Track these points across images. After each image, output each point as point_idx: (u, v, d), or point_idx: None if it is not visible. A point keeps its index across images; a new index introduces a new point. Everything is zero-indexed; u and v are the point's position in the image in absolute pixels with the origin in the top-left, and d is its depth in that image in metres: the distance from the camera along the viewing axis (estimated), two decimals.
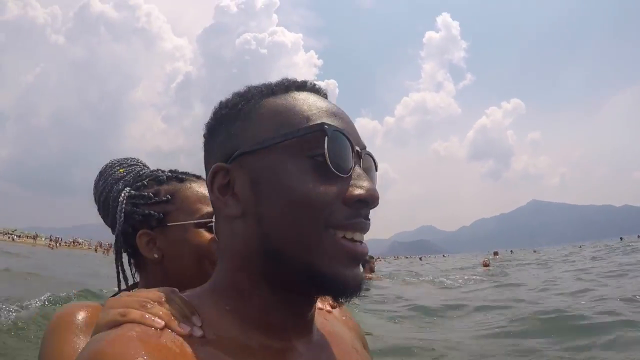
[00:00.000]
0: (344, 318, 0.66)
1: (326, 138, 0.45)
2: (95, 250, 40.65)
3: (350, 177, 0.46)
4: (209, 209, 0.84)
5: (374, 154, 0.53)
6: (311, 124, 0.46)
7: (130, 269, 0.90)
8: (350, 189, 0.45)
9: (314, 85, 0.53)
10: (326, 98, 0.54)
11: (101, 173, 0.94)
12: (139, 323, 0.42)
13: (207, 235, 0.84)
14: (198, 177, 0.93)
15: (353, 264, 0.46)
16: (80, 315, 0.74)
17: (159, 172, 0.92)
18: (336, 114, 0.50)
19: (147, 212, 0.84)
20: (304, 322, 0.50)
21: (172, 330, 0.43)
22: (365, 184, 0.46)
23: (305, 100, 0.50)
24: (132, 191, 0.87)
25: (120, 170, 0.93)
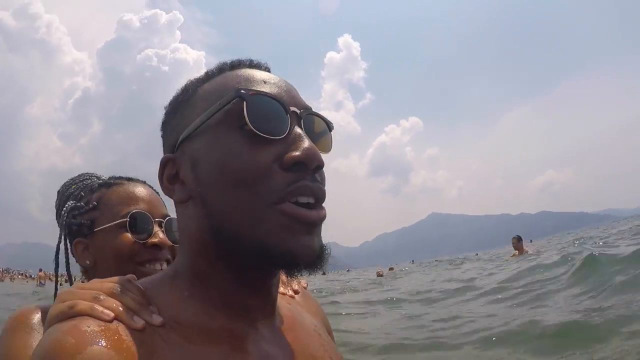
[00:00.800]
0: (307, 302, 0.67)
1: (244, 103, 0.45)
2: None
3: (286, 140, 0.45)
4: (131, 208, 0.88)
5: (323, 115, 0.51)
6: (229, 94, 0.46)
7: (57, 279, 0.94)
8: (287, 152, 0.45)
9: (251, 61, 0.53)
10: (267, 70, 0.54)
11: (58, 193, 1.00)
12: (88, 316, 0.42)
13: (128, 237, 0.86)
14: (130, 179, 0.97)
15: (302, 231, 0.44)
16: (34, 316, 0.77)
17: (94, 179, 0.98)
18: (266, 80, 0.49)
19: (80, 221, 0.89)
20: (266, 303, 0.51)
21: (123, 323, 0.42)
22: (303, 144, 0.45)
23: (235, 75, 0.50)
24: (73, 203, 0.92)
25: (72, 187, 0.98)
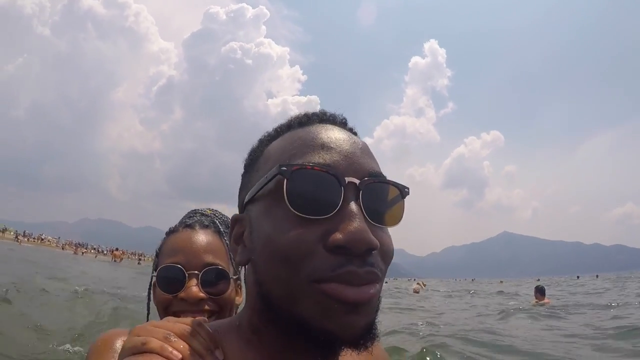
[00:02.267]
0: (373, 349, 0.65)
1: (285, 182, 0.44)
2: (63, 248, 42.06)
3: (335, 218, 0.43)
4: (167, 261, 0.96)
5: (393, 179, 0.48)
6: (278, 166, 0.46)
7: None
8: (334, 233, 0.43)
9: (323, 114, 0.51)
10: (342, 124, 0.52)
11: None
12: (157, 354, 0.46)
13: (159, 290, 0.96)
14: (189, 226, 1.04)
15: (343, 311, 0.43)
16: (118, 342, 0.87)
17: (187, 219, 1.08)
18: (327, 144, 0.47)
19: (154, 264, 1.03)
20: None
21: None
22: (350, 225, 0.43)
23: (296, 137, 0.48)
24: None
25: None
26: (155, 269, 0.99)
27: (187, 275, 0.94)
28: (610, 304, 8.65)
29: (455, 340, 4.45)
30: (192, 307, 0.91)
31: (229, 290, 0.97)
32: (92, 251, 49.07)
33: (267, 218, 0.46)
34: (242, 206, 0.54)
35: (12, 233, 44.41)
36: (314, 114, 0.52)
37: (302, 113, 0.52)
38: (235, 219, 0.54)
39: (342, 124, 0.52)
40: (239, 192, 0.56)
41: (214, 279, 0.95)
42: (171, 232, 1.04)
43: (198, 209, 1.14)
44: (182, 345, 0.48)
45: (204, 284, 0.94)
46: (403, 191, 0.50)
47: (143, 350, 0.46)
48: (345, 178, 0.45)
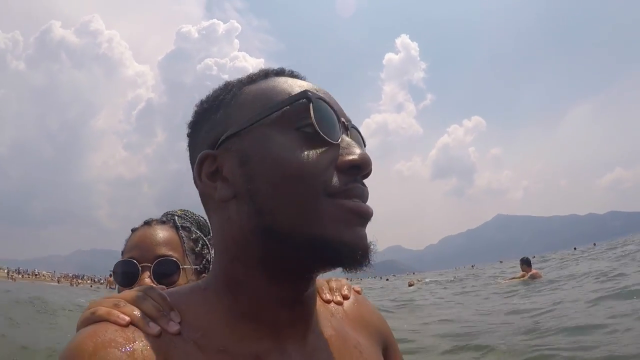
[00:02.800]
0: (359, 310, 0.66)
1: (311, 105, 0.48)
2: (58, 281, 41.35)
3: (339, 146, 0.48)
4: (124, 257, 1.01)
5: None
6: (294, 94, 0.49)
7: None
8: (342, 156, 0.47)
9: (292, 71, 0.55)
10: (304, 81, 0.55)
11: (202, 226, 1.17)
12: (105, 320, 0.45)
13: (118, 287, 0.98)
14: (151, 221, 1.07)
15: (357, 223, 0.46)
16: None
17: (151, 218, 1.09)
18: (318, 88, 0.52)
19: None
20: (299, 319, 0.51)
21: (139, 329, 0.45)
22: (357, 150, 0.49)
23: (285, 81, 0.52)
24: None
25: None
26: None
27: (140, 268, 0.98)
28: (602, 270, 8.61)
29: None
30: None
31: (181, 280, 1.01)
32: (88, 281, 49.89)
33: (273, 144, 0.48)
34: (215, 143, 0.52)
35: (5, 271, 44.97)
36: (284, 68, 0.56)
37: (273, 68, 0.55)
38: (204, 157, 0.52)
39: (304, 81, 0.56)
40: (201, 133, 0.54)
41: (166, 270, 0.99)
42: (132, 230, 1.08)
43: (170, 211, 1.17)
44: (132, 309, 0.48)
45: (155, 275, 0.98)
46: (364, 140, 0.56)
47: (92, 320, 0.47)
48: (340, 117, 0.51)
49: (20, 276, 44.48)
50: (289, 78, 0.53)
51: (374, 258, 0.47)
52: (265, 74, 0.54)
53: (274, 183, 0.46)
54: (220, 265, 0.52)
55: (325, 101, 0.49)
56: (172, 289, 0.55)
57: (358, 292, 0.69)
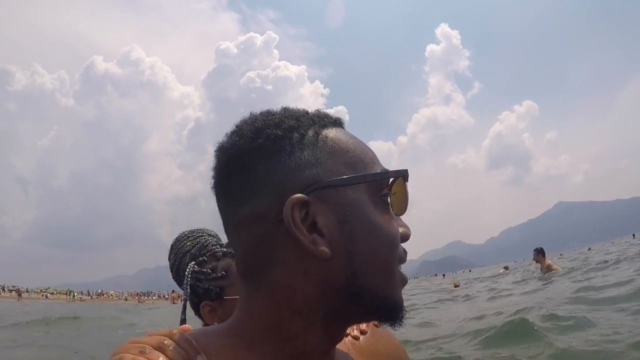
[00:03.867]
0: (375, 344, 0.68)
1: (406, 183, 0.52)
2: (125, 299, 43.44)
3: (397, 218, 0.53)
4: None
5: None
6: (380, 168, 0.52)
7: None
8: (400, 227, 0.52)
9: (343, 121, 0.56)
10: None
11: (172, 247, 1.18)
12: None
13: None
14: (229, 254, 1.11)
15: (401, 289, 0.52)
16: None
17: (217, 247, 1.14)
18: (375, 154, 0.54)
19: (207, 286, 1.06)
20: (328, 351, 0.52)
21: None
22: (405, 223, 0.53)
23: (358, 140, 0.54)
24: (195, 266, 1.08)
25: (187, 243, 1.15)
26: (219, 292, 1.06)
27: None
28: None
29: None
30: None
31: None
32: (154, 298, 52.57)
33: (371, 208, 0.49)
34: (305, 187, 0.48)
35: (76, 294, 50.86)
36: (339, 119, 0.55)
37: (332, 115, 0.55)
38: (300, 202, 0.47)
39: None
40: (279, 169, 0.49)
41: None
42: (233, 255, 1.10)
43: (198, 230, 1.21)
44: (157, 355, 0.47)
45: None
46: None
47: None
48: None
49: (89, 297, 48.20)
50: (349, 133, 0.55)
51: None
52: (334, 122, 0.54)
53: (373, 249, 0.48)
54: (270, 316, 0.50)
55: (406, 177, 0.53)
56: (199, 330, 0.55)
57: (376, 326, 0.71)
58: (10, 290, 45.32)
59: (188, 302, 1.08)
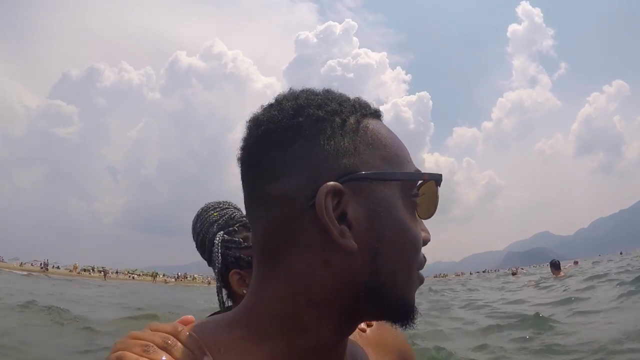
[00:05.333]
0: (381, 337, 0.69)
1: (438, 188, 0.52)
2: (209, 283, 42.35)
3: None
4: None
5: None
6: (414, 168, 0.52)
7: (221, 297, 1.16)
8: (422, 231, 0.51)
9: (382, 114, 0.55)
10: None
11: (198, 216, 1.20)
12: None
13: None
14: None
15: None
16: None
17: (233, 210, 1.18)
18: (409, 155, 0.54)
19: (238, 255, 1.09)
20: (338, 357, 0.52)
21: None
22: (426, 227, 0.52)
23: (395, 135, 0.53)
24: (225, 235, 1.12)
25: (214, 214, 1.17)
26: (249, 261, 1.07)
27: None
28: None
29: None
30: None
31: None
32: None
33: (402, 207, 0.48)
34: (341, 174, 0.47)
35: (161, 277, 55.55)
36: (379, 111, 0.54)
37: (373, 105, 0.53)
38: (335, 190, 0.46)
39: None
40: (316, 153, 0.47)
41: None
42: None
43: (224, 202, 1.22)
44: (161, 355, 0.46)
45: None
46: None
47: None
48: None
49: (173, 280, 52.01)
50: (385, 125, 0.54)
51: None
52: (374, 113, 0.53)
53: (399, 249, 0.48)
54: (285, 303, 0.48)
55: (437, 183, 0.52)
56: (207, 322, 0.52)
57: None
58: (99, 271, 48.94)
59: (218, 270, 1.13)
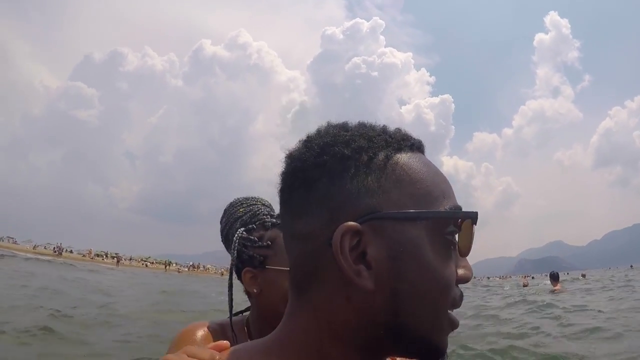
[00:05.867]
0: None
1: (474, 226, 0.49)
2: (222, 274, 42.83)
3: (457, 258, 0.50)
4: None
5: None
6: (450, 203, 0.49)
7: (231, 293, 1.12)
8: (459, 267, 0.49)
9: (420, 144, 0.54)
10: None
11: (225, 211, 1.21)
12: None
13: None
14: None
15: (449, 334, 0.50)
16: (200, 333, 1.02)
17: (267, 217, 1.16)
18: (449, 189, 0.51)
19: (251, 253, 1.08)
20: None
21: None
22: (468, 264, 0.50)
23: (433, 169, 0.51)
24: (244, 233, 1.11)
25: (240, 210, 1.18)
26: (262, 260, 1.07)
27: None
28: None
29: None
30: None
31: None
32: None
33: (429, 247, 0.47)
34: (362, 214, 0.47)
35: (174, 265, 54.98)
36: (422, 142, 0.53)
37: (412, 137, 0.52)
38: (352, 230, 0.46)
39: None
40: (339, 191, 0.47)
41: None
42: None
43: (259, 198, 1.23)
44: None
45: None
46: None
47: None
48: None
49: (186, 269, 51.37)
50: (428, 160, 0.52)
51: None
52: (411, 146, 0.51)
53: (422, 290, 0.46)
54: (310, 334, 0.49)
55: (476, 219, 0.50)
56: (243, 348, 0.53)
57: None
58: (113, 257, 48.78)
59: (233, 267, 1.14)
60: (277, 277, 1.05)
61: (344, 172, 0.48)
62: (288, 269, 0.87)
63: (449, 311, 0.48)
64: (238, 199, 1.23)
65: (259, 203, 1.21)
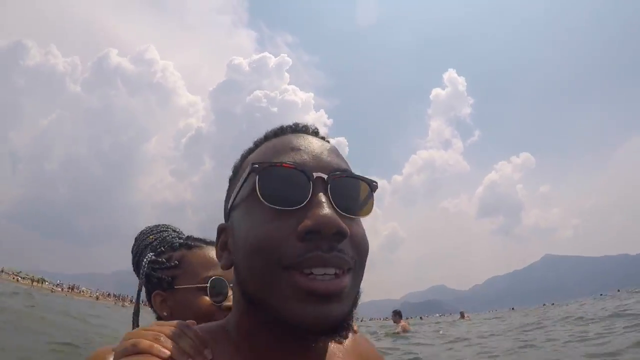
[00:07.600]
0: (357, 349, 0.70)
1: (257, 177, 0.54)
2: (97, 298, 42.63)
3: (305, 209, 0.52)
4: (210, 273, 1.10)
5: (360, 174, 0.58)
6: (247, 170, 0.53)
7: (137, 319, 1.15)
8: (302, 222, 0.52)
9: (296, 126, 0.56)
10: (314, 133, 0.58)
11: (136, 239, 1.26)
12: (147, 353, 0.54)
13: (206, 299, 1.07)
14: (207, 243, 1.20)
15: (311, 300, 0.52)
16: (108, 358, 0.95)
17: (176, 239, 1.20)
18: (296, 147, 0.54)
19: (160, 275, 1.11)
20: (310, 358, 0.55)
21: None
22: (318, 211, 0.52)
23: (270, 145, 0.56)
24: (153, 256, 1.15)
25: (150, 237, 1.23)
26: (170, 281, 1.12)
27: (229, 287, 1.12)
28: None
29: None
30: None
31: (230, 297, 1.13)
32: (127, 303, 50.04)
33: (246, 217, 0.54)
34: (227, 216, 0.59)
35: (47, 284, 49.22)
36: (288, 126, 0.59)
37: (278, 126, 0.59)
38: (221, 228, 0.59)
39: (315, 132, 0.59)
40: (224, 204, 0.59)
41: (219, 289, 1.12)
42: (190, 246, 1.20)
43: (169, 225, 1.32)
44: (171, 344, 0.55)
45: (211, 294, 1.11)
46: (372, 185, 0.58)
47: (134, 351, 0.55)
48: (314, 173, 0.54)
49: (60, 290, 47.31)
50: (288, 136, 0.56)
51: (350, 329, 0.53)
52: (266, 137, 0.57)
53: (243, 255, 0.54)
54: (234, 314, 0.58)
55: (282, 165, 0.52)
56: (202, 325, 0.60)
57: (355, 331, 0.74)
58: None
59: (144, 291, 1.14)
60: (186, 297, 1.09)
61: (230, 186, 0.61)
62: (197, 286, 0.99)
63: (296, 274, 0.52)
64: (149, 226, 1.30)
65: (169, 229, 1.29)
